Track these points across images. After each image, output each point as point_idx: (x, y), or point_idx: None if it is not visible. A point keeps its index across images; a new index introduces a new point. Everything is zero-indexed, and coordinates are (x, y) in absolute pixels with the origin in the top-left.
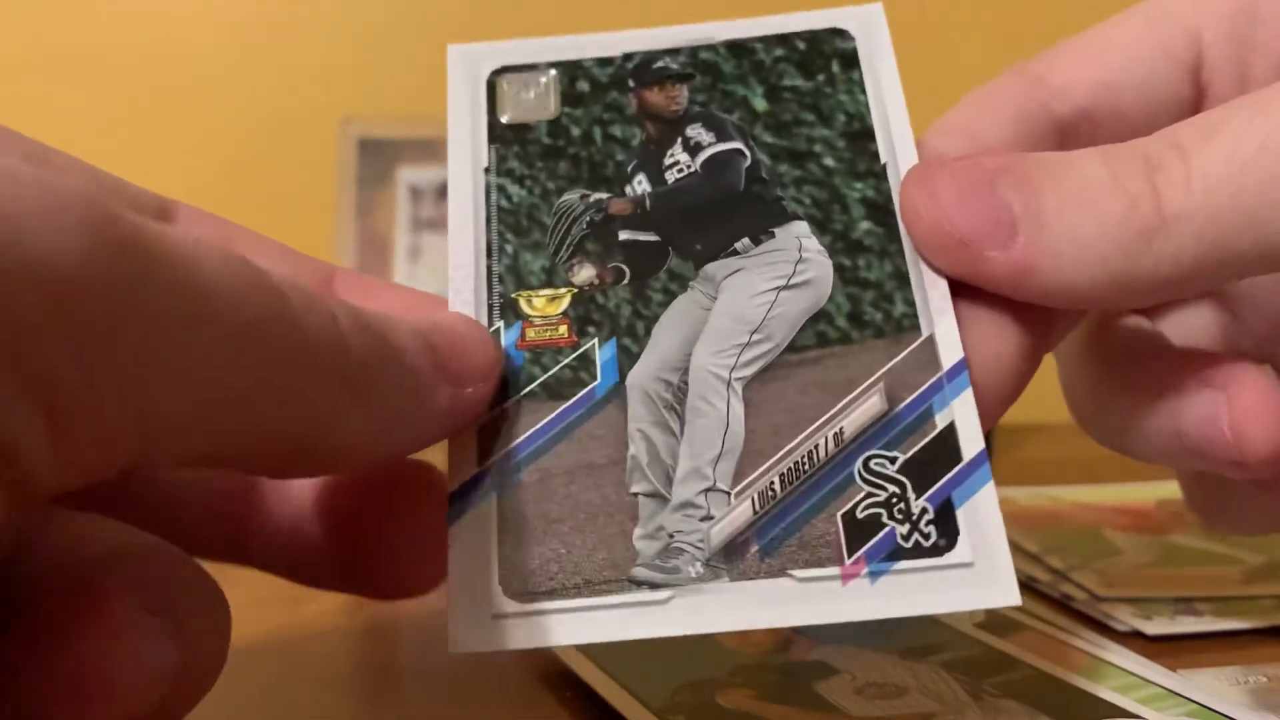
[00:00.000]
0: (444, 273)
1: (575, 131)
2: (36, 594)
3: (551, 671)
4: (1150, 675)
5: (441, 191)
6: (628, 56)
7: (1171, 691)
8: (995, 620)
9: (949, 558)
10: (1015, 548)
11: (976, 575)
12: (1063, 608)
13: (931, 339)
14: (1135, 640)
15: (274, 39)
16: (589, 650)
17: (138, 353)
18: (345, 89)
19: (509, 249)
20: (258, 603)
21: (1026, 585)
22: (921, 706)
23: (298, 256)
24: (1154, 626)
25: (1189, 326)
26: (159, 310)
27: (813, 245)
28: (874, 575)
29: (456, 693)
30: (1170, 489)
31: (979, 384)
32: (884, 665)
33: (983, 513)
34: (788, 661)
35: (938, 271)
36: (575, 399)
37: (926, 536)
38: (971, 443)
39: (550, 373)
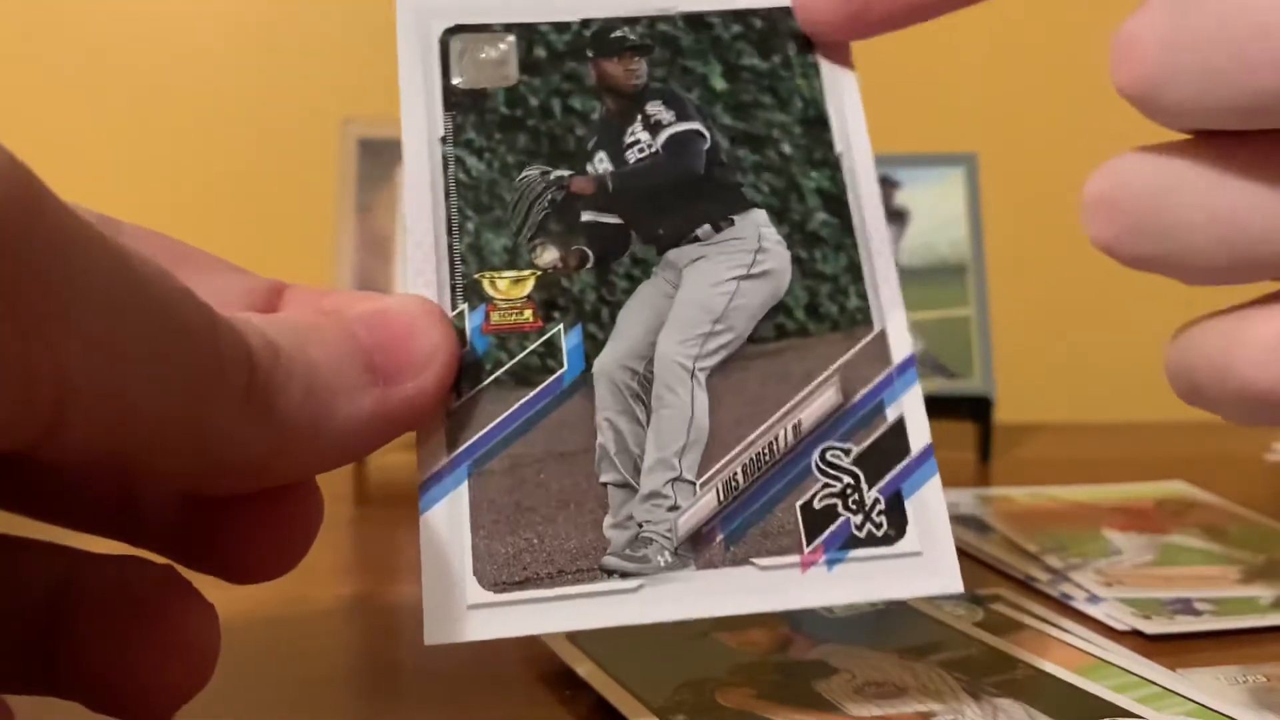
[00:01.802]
0: None
1: (534, 102)
2: (119, 587)
3: (551, 671)
4: (1149, 674)
5: None
6: (585, 23)
7: (1170, 691)
8: (994, 620)
9: (899, 547)
10: (1015, 548)
11: (923, 564)
12: (1062, 607)
13: (883, 334)
14: (1134, 639)
15: (274, 39)
16: (589, 649)
17: (61, 309)
18: (345, 89)
19: (470, 226)
20: (258, 603)
21: (1026, 584)
22: (921, 706)
23: (246, 275)
24: (1153, 626)
25: None
26: (82, 272)
27: (771, 235)
28: (831, 563)
29: (456, 693)
30: (1170, 489)
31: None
32: (883, 664)
33: (929, 504)
34: (787, 661)
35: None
36: (543, 386)
37: (878, 526)
38: (919, 436)
39: (517, 359)
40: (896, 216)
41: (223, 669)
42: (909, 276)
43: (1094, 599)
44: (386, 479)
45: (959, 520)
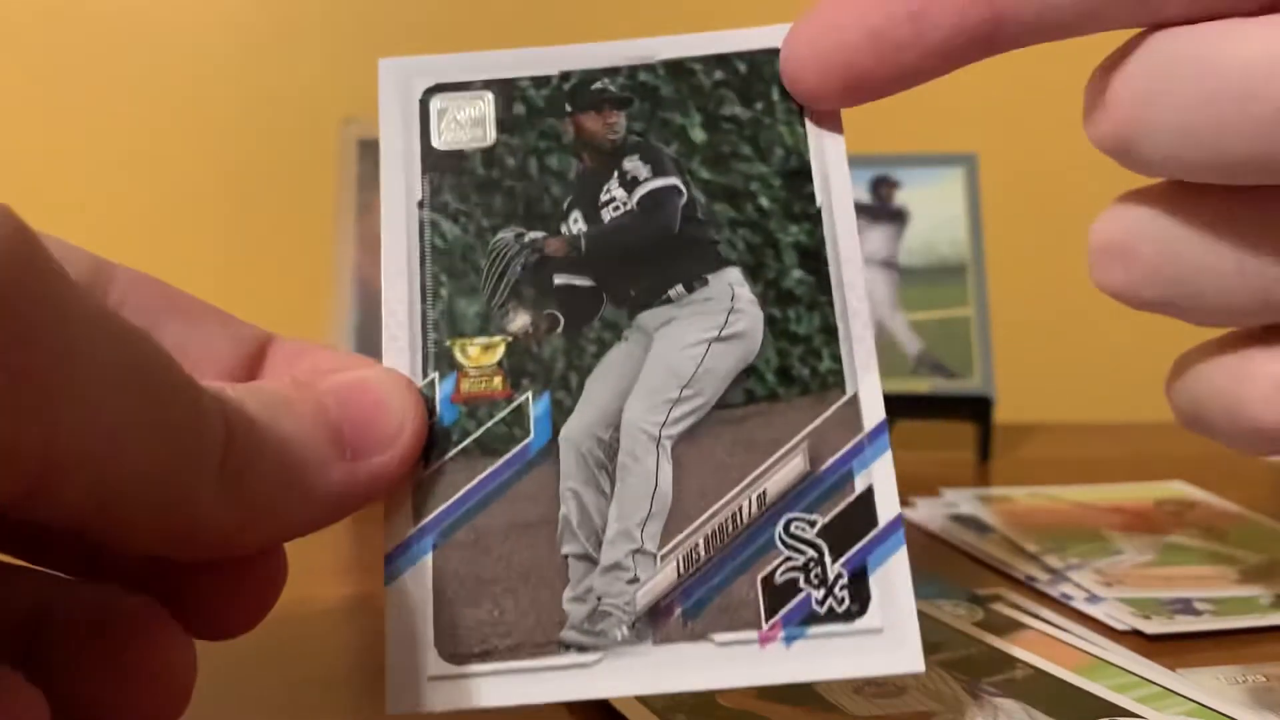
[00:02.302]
0: None
1: (511, 162)
2: (97, 614)
3: None
4: (1149, 674)
5: None
6: (565, 76)
7: (1170, 690)
8: (994, 620)
9: (860, 623)
10: (1015, 548)
11: (884, 641)
12: (1062, 607)
13: (855, 398)
14: (1134, 639)
15: (274, 39)
16: None
17: (53, 382)
18: (345, 89)
19: (444, 293)
20: None
21: (1026, 584)
22: (920, 705)
23: (235, 324)
24: (1153, 625)
25: None
26: (76, 345)
27: (745, 294)
28: (789, 639)
29: None
30: (1170, 489)
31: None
32: None
33: (894, 578)
34: None
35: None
36: (509, 456)
37: (840, 602)
38: (888, 507)
39: (485, 428)
40: (896, 216)
41: (223, 669)
42: (909, 276)
43: (1094, 599)
44: None
45: (959, 520)
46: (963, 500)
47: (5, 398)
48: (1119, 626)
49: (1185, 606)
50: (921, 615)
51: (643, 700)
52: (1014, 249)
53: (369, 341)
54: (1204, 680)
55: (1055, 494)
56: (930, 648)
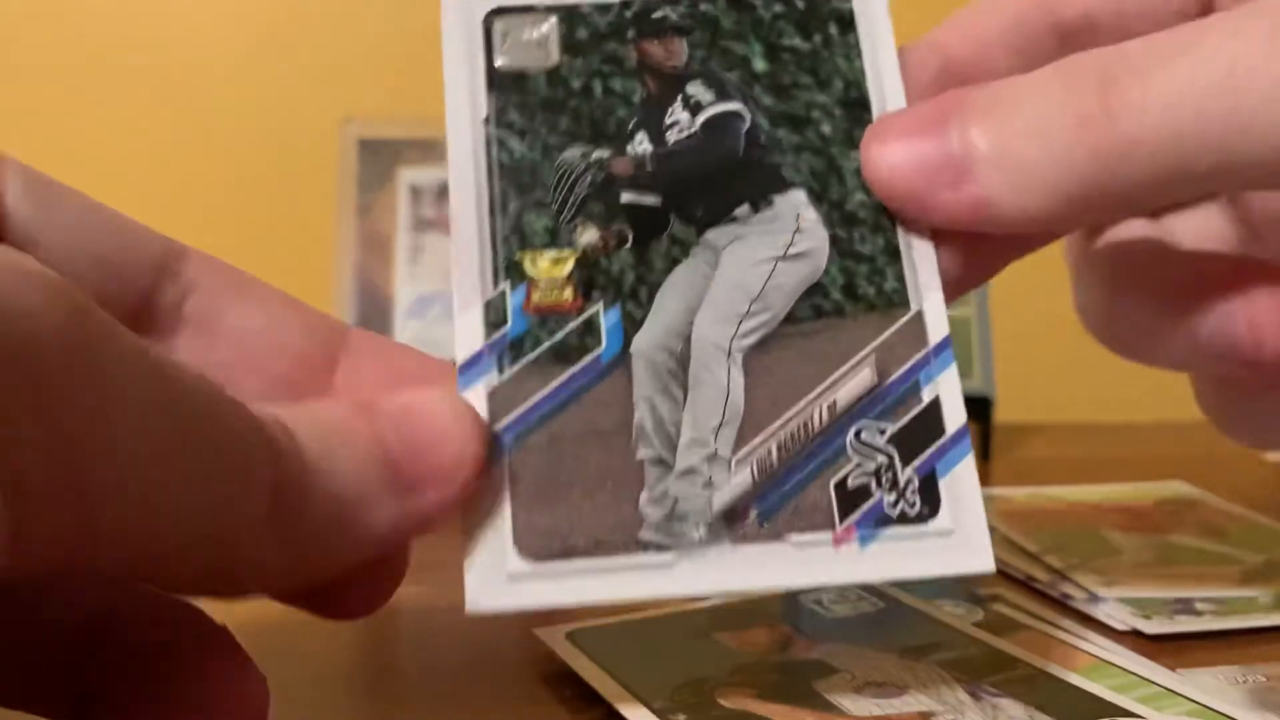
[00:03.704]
0: (445, 272)
1: (575, 83)
2: (162, 642)
3: (551, 671)
4: (1149, 674)
5: (443, 191)
6: (626, 4)
7: (1171, 690)
8: (994, 619)
9: (931, 525)
10: (1015, 548)
11: (956, 543)
12: (1062, 607)
13: (920, 315)
14: (1134, 639)
15: (274, 39)
16: (589, 649)
17: (97, 443)
18: (345, 89)
19: (512, 207)
20: (259, 603)
21: (1026, 584)
22: (921, 706)
23: (308, 313)
24: (1153, 626)
25: (1199, 232)
26: (118, 401)
27: (810, 215)
28: (863, 540)
29: (456, 693)
30: (1170, 489)
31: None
32: (883, 664)
33: (963, 483)
34: (787, 660)
35: (909, 230)
36: (582, 365)
37: (912, 505)
38: (955, 416)
39: (557, 338)
40: None
41: None
42: None
43: (1094, 599)
44: None
45: None
46: None
47: (47, 448)
48: (1119, 626)
49: (1185, 606)
50: (922, 615)
51: (643, 700)
52: None
53: None
54: (1204, 680)
55: (1055, 494)
56: (930, 648)
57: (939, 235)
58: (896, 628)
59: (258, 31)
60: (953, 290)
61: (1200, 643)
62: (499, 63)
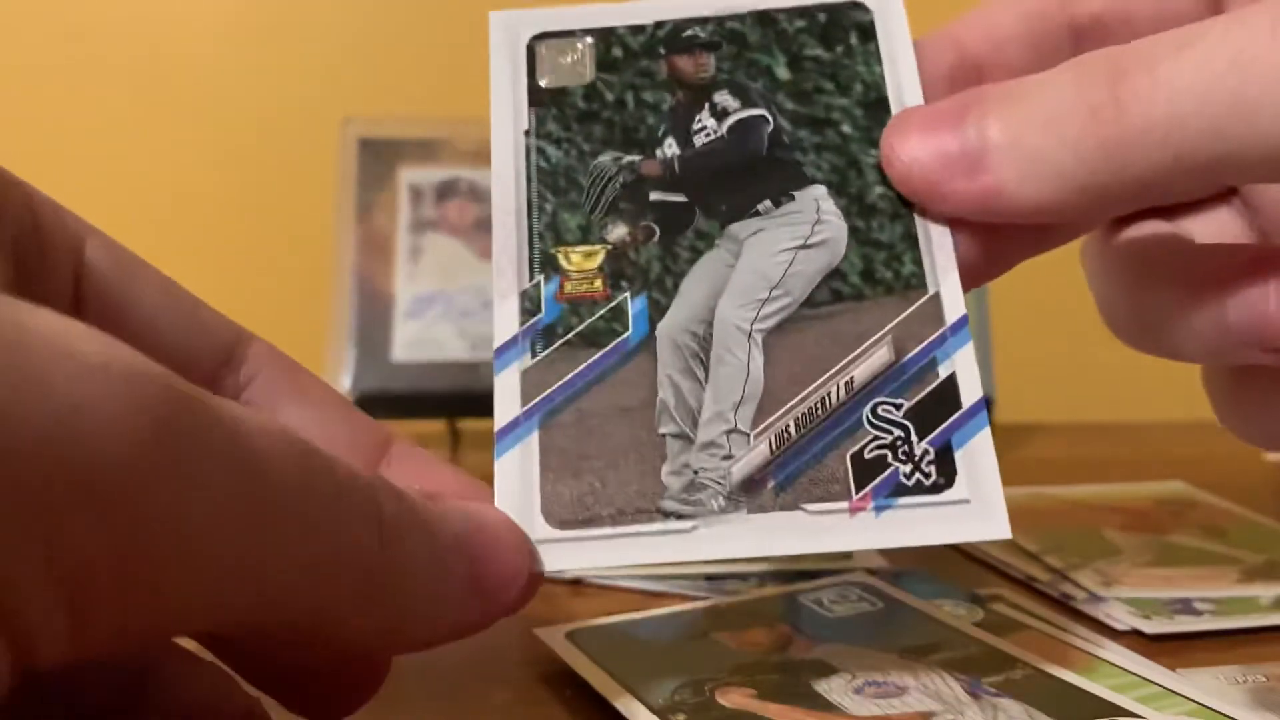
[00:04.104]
0: (445, 272)
1: (609, 96)
2: (206, 699)
3: (551, 671)
4: (1149, 674)
5: (442, 192)
6: (659, 24)
7: (1170, 690)
8: (994, 619)
9: (947, 495)
10: (1015, 548)
11: (972, 511)
12: (1062, 607)
13: (937, 296)
14: (1134, 639)
15: (274, 39)
16: (589, 649)
17: (173, 543)
18: (345, 89)
19: (548, 207)
20: None
21: (1026, 584)
22: (921, 705)
23: (356, 417)
24: (1153, 625)
25: (1214, 235)
26: (200, 501)
27: (830, 207)
28: (879, 509)
29: (456, 691)
30: (1170, 489)
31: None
32: (883, 664)
33: (979, 455)
34: (787, 660)
35: (926, 215)
36: (609, 347)
37: (927, 475)
38: (971, 391)
39: (586, 323)
40: None
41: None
42: None
43: (1094, 599)
44: None
45: None
46: None
47: (113, 579)
48: (1119, 626)
49: (1185, 606)
50: (922, 615)
51: (643, 700)
52: None
53: (369, 341)
54: (1204, 680)
55: (1055, 494)
56: (930, 648)
57: (957, 226)
58: (896, 628)
59: (258, 31)
60: (967, 282)
61: (1200, 643)
62: (542, 82)
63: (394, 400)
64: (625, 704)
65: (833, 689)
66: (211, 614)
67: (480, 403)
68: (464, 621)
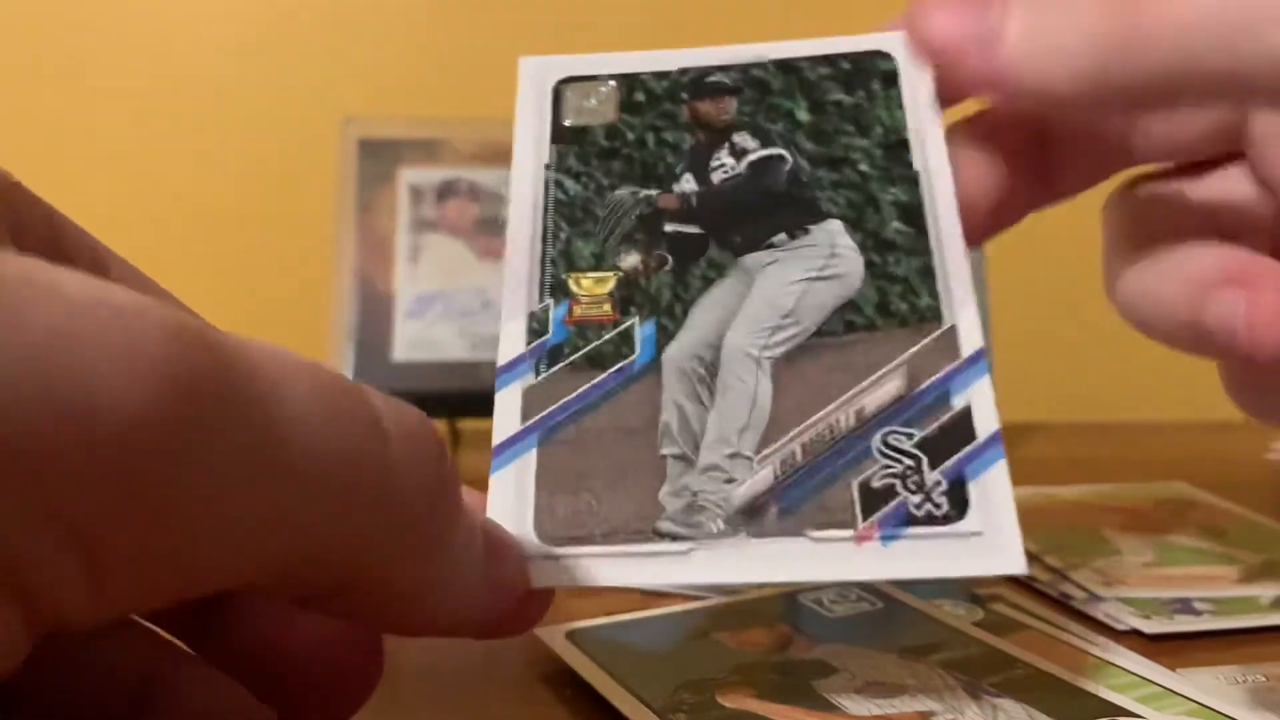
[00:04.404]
0: (445, 272)
1: (630, 135)
2: (212, 709)
3: (551, 671)
4: (1149, 674)
5: (442, 192)
6: (683, 71)
7: (1170, 690)
8: (994, 619)
9: (959, 527)
10: None
11: (984, 544)
12: (1062, 607)
13: (953, 329)
14: (1134, 639)
15: (274, 39)
16: (589, 649)
17: (197, 507)
18: (345, 89)
19: (562, 236)
20: None
21: (1026, 584)
22: (920, 705)
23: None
24: (1153, 625)
25: (1225, 192)
26: (228, 460)
27: (845, 242)
28: (886, 539)
29: (456, 693)
30: (1170, 489)
31: (964, 201)
32: (883, 664)
33: (994, 487)
34: (787, 660)
35: (944, 249)
36: (614, 369)
37: (938, 506)
38: (987, 424)
39: (593, 345)
40: None
41: None
42: None
43: (1094, 599)
44: None
45: None
46: None
47: (131, 542)
48: (1119, 626)
49: (1185, 606)
50: (922, 615)
51: (643, 700)
52: (1014, 249)
53: (369, 341)
54: (1204, 680)
55: (1055, 494)
56: (930, 648)
57: (969, 158)
58: (896, 628)
59: (258, 31)
60: (971, 233)
61: (1200, 643)
62: (565, 122)
63: None
64: (625, 704)
65: (833, 689)
66: (247, 570)
67: (480, 403)
68: (485, 604)
